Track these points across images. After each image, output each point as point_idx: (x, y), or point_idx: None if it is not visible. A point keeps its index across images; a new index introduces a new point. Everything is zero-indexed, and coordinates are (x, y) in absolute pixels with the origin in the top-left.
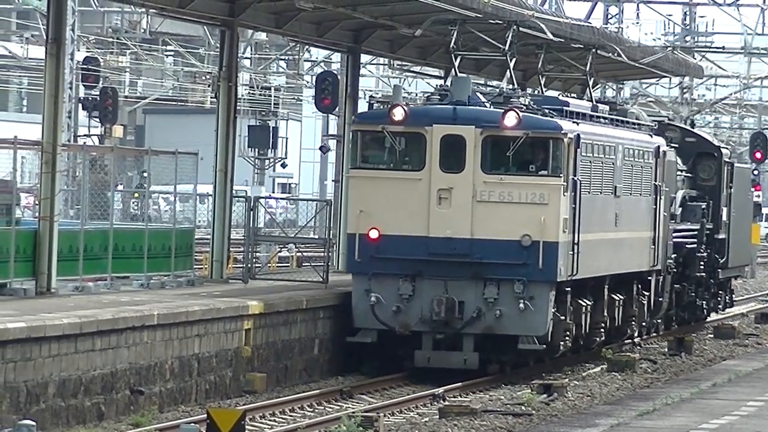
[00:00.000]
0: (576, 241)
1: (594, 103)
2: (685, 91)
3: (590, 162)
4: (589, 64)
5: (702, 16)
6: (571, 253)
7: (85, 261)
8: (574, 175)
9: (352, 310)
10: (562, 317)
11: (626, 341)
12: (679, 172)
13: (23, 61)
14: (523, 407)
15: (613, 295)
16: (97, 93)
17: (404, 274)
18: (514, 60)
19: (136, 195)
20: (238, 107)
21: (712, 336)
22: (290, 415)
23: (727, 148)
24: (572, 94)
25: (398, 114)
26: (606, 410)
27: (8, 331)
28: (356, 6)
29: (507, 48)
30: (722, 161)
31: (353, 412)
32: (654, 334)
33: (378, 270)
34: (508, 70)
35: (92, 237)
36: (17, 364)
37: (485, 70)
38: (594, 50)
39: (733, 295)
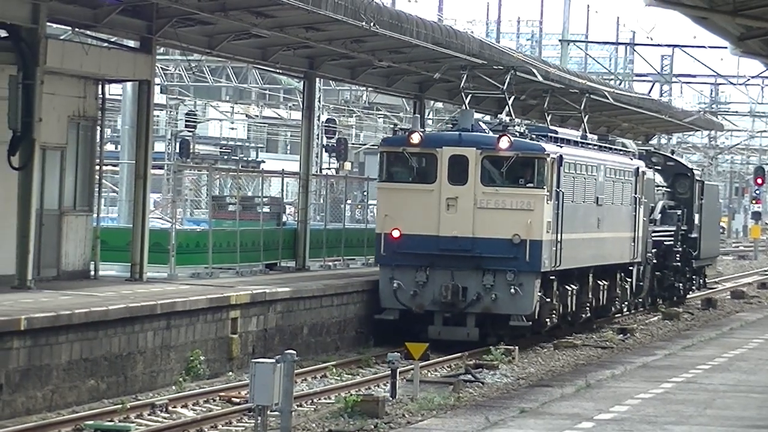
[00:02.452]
0: (559, 240)
1: (584, 133)
2: (711, 139)
3: (573, 177)
4: (583, 104)
5: (722, 92)
6: (555, 249)
7: (327, 249)
8: (558, 187)
9: (379, 294)
10: (548, 299)
11: (615, 315)
12: (659, 187)
13: (288, 120)
14: (607, 342)
15: (599, 281)
16: (335, 141)
17: (420, 265)
18: (512, 97)
19: (359, 206)
20: None
21: (729, 296)
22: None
23: (699, 170)
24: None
25: (415, 138)
26: (661, 345)
27: (279, 293)
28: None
29: (505, 87)
30: (694, 179)
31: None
32: (641, 309)
33: (399, 262)
34: (507, 106)
35: (331, 234)
36: (284, 314)
37: (487, 104)
38: (587, 94)
39: (706, 279)
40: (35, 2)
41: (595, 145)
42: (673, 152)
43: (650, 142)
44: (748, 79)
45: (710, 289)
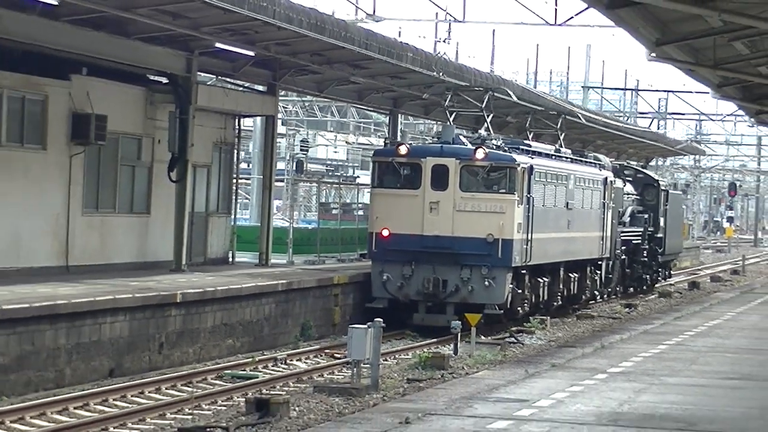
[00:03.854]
0: (530, 239)
1: (557, 147)
2: (696, 162)
3: (544, 184)
4: (559, 124)
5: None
6: (525, 246)
7: None
8: (529, 193)
9: (372, 285)
10: (520, 291)
11: (581, 303)
12: (629, 195)
13: (377, 146)
14: (616, 314)
15: (570, 274)
16: None
17: (406, 260)
18: (491, 115)
19: None
20: None
21: (709, 280)
22: None
23: (664, 181)
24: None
25: (403, 150)
26: (657, 316)
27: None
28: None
29: (483, 106)
30: (660, 189)
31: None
32: (614, 297)
33: (388, 257)
34: (485, 122)
35: None
36: None
37: (466, 122)
38: (563, 116)
39: (671, 271)
40: (189, 57)
41: (566, 157)
42: (644, 166)
43: (650, 163)
44: (725, 117)
45: (675, 279)
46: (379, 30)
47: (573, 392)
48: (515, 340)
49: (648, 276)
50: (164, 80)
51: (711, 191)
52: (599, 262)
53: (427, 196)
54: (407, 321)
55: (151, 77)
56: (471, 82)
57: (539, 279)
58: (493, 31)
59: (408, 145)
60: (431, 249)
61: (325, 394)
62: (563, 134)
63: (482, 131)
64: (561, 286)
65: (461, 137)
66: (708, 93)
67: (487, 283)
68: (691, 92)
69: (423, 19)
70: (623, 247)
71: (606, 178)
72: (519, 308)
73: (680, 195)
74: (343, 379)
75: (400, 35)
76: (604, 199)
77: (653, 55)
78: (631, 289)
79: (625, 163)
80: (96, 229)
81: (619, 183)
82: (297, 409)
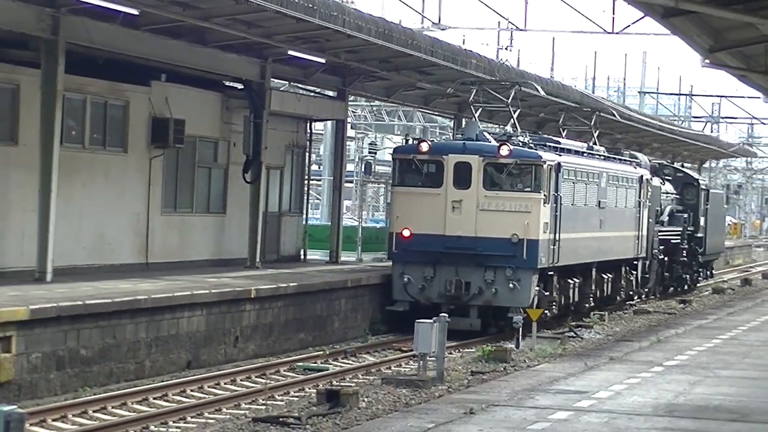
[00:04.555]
0: (557, 239)
1: (590, 144)
2: (748, 163)
3: (573, 182)
4: (593, 120)
5: (756, 129)
6: (553, 247)
7: None
8: (556, 191)
9: (392, 287)
10: (547, 293)
11: (615, 304)
12: (668, 194)
13: None
14: (672, 310)
15: (603, 275)
16: None
17: (427, 261)
18: (518, 111)
19: None
20: None
21: (761, 277)
22: None
23: (705, 181)
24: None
25: (424, 147)
26: (711, 312)
27: None
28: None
29: (510, 101)
30: (700, 188)
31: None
32: (652, 297)
33: (409, 259)
34: (512, 118)
35: None
36: None
37: (497, 119)
38: (597, 112)
39: (713, 271)
40: (263, 64)
41: (598, 155)
42: (683, 165)
43: (703, 165)
44: None
45: (718, 278)
46: (444, 38)
47: (630, 384)
48: (574, 335)
49: (688, 276)
50: (239, 86)
51: (762, 192)
52: (635, 262)
53: (449, 194)
54: None
55: (227, 83)
56: (532, 87)
57: (569, 280)
58: (553, 39)
59: (429, 142)
60: (453, 250)
61: (392, 386)
62: (597, 131)
63: (508, 127)
64: (593, 287)
65: (485, 134)
66: (760, 98)
67: (511, 285)
68: (743, 97)
69: (486, 28)
70: (661, 247)
71: (642, 177)
72: (546, 311)
73: (720, 194)
74: (409, 371)
75: (464, 43)
76: (640, 197)
77: (707, 61)
78: (672, 289)
79: (665, 162)
80: (174, 227)
81: (656, 181)
82: (366, 399)
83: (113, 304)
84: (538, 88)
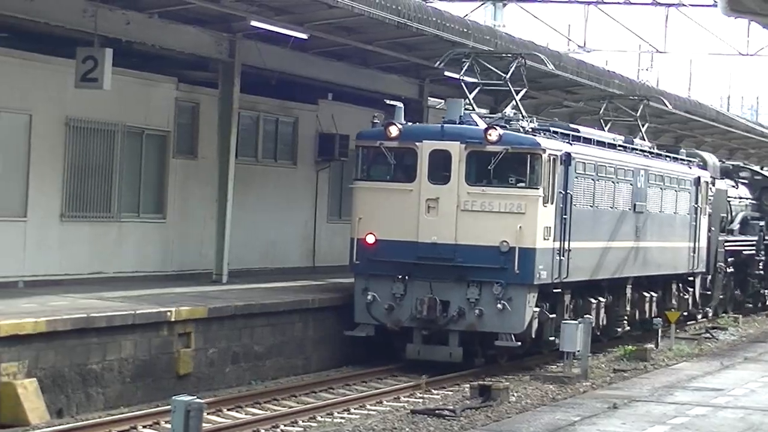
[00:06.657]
0: (566, 248)
1: (631, 137)
2: None
3: (593, 179)
4: (639, 111)
5: None
6: (560, 258)
7: None
8: (564, 189)
9: (353, 307)
10: (553, 315)
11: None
12: (741, 199)
13: None
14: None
15: (644, 293)
16: None
17: (397, 275)
18: (523, 90)
19: None
20: None
21: None
22: None
23: None
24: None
25: (393, 131)
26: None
27: None
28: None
29: (508, 77)
30: None
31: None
32: (723, 315)
33: (374, 271)
34: (513, 99)
35: None
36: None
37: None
38: (645, 101)
39: None
40: (420, 84)
41: (632, 148)
42: (762, 167)
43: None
44: None
45: None
46: (589, 60)
47: (765, 382)
48: (710, 336)
49: (766, 291)
50: (398, 104)
51: None
52: (689, 278)
53: (423, 191)
54: (399, 353)
55: (387, 101)
56: (669, 105)
57: (591, 299)
58: (690, 60)
59: (400, 125)
60: (428, 260)
61: (540, 382)
62: (645, 124)
63: (508, 110)
64: (628, 308)
65: (473, 115)
66: None
67: (500, 305)
68: None
69: (628, 50)
70: (730, 259)
71: (699, 178)
72: (552, 337)
73: None
74: (556, 368)
75: (606, 64)
76: (697, 202)
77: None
78: (748, 306)
79: (742, 164)
80: (338, 234)
81: (721, 184)
82: (515, 394)
83: (283, 304)
84: (546, 60)
